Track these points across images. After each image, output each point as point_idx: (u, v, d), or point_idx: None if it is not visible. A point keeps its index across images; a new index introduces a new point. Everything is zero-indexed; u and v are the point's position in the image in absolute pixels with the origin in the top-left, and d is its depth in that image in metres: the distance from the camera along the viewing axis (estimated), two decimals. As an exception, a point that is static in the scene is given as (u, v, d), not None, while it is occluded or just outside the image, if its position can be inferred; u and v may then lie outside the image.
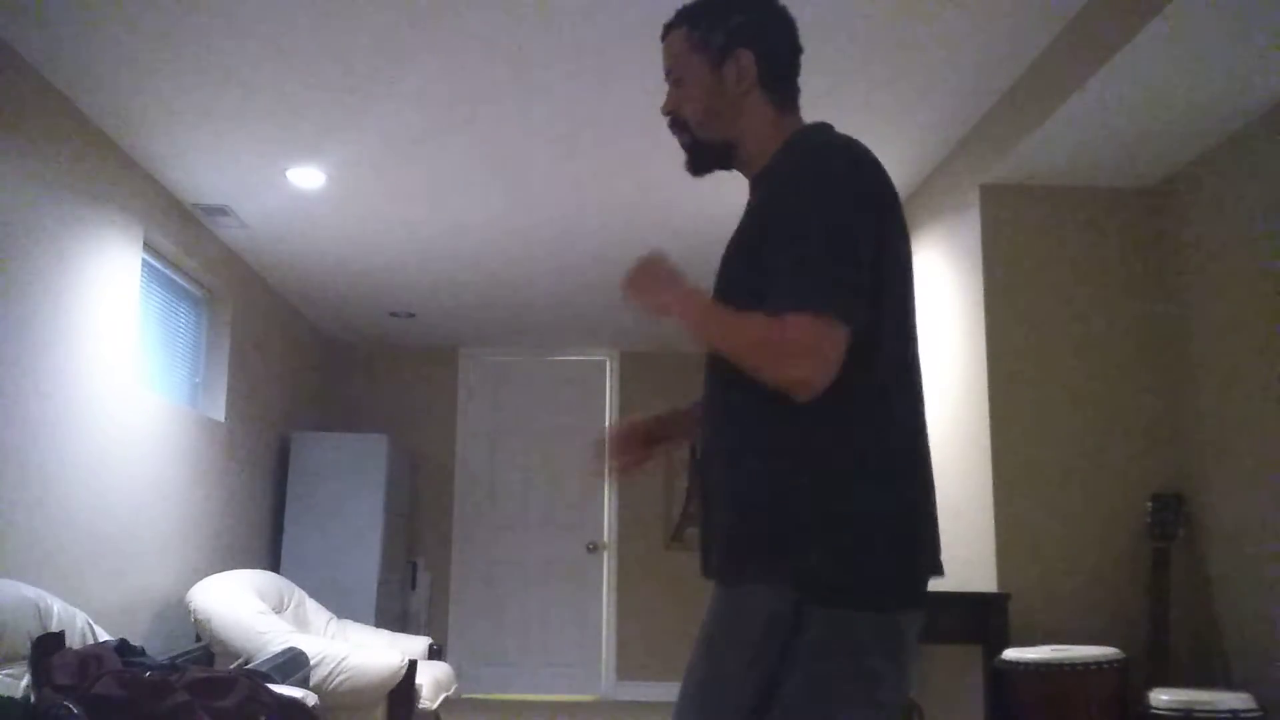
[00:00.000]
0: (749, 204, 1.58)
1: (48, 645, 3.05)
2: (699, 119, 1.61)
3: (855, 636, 1.35)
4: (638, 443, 1.78)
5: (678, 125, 1.65)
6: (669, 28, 1.66)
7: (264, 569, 5.92)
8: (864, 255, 1.39)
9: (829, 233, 1.39)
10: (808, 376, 1.35)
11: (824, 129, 1.57)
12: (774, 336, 1.37)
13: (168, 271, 4.92)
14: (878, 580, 1.38)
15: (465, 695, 7.20)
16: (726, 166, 1.65)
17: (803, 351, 1.35)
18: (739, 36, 1.59)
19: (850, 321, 1.37)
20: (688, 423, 1.79)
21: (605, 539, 7.47)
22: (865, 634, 1.36)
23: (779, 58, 1.62)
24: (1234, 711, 2.95)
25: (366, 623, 5.99)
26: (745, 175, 1.64)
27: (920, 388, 1.51)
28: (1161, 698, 3.06)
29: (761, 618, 1.37)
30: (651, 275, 1.53)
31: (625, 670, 7.31)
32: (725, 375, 1.49)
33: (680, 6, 1.67)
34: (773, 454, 1.42)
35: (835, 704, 1.35)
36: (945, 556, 4.32)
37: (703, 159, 1.65)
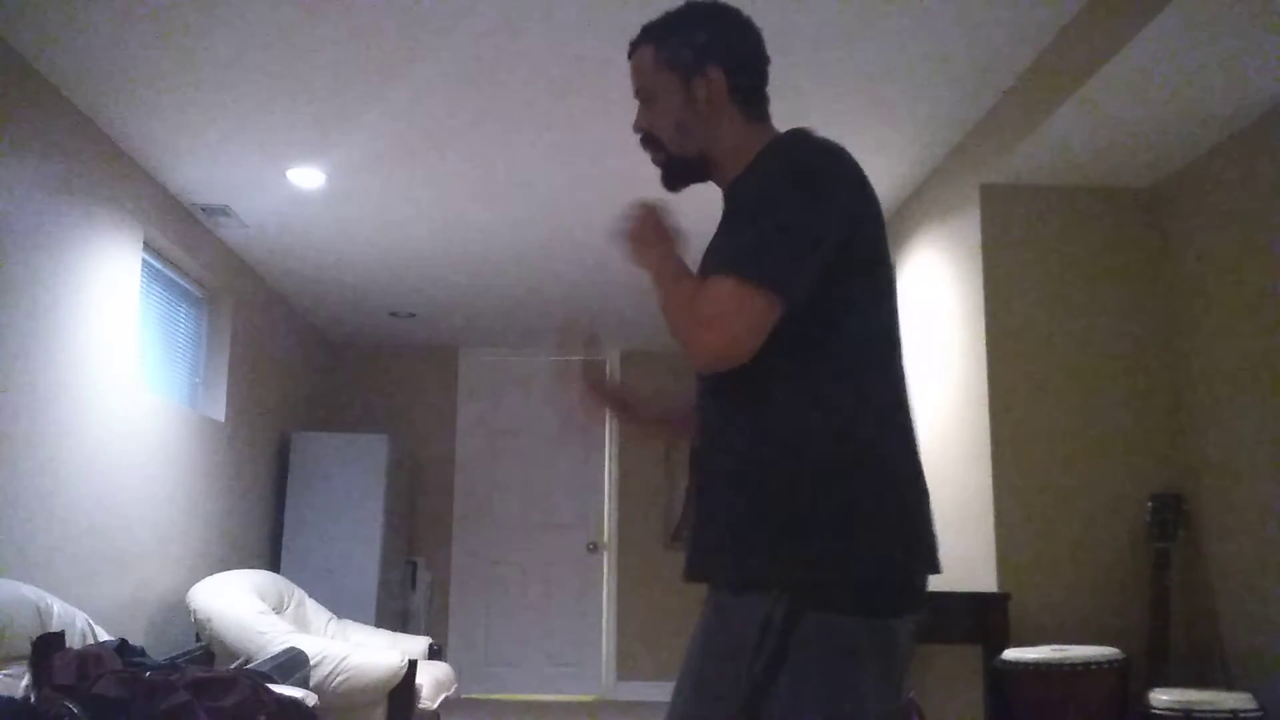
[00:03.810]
0: (725, 213, 1.58)
1: (48, 645, 3.05)
2: (671, 136, 1.61)
3: (849, 642, 1.35)
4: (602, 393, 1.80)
5: (650, 143, 1.64)
6: (635, 45, 1.65)
7: (264, 569, 5.92)
8: (810, 239, 1.39)
9: (775, 213, 1.40)
10: (715, 344, 1.37)
11: (800, 133, 1.57)
12: (693, 300, 1.39)
13: (168, 271, 4.92)
14: (872, 585, 1.37)
15: (465, 695, 7.20)
16: (702, 179, 1.64)
17: (714, 318, 1.36)
18: (706, 53, 1.58)
19: (780, 291, 1.36)
20: (660, 419, 1.81)
21: (605, 539, 7.47)
22: (859, 639, 1.36)
23: (748, 70, 1.61)
24: (1234, 711, 2.95)
25: (366, 623, 5.98)
26: (720, 186, 1.63)
27: (906, 388, 1.51)
28: (1161, 698, 3.06)
29: (755, 622, 1.36)
30: (649, 231, 1.56)
31: (625, 670, 7.31)
32: (714, 379, 1.49)
33: (644, 24, 1.65)
34: (763, 459, 1.42)
35: (827, 709, 1.34)
36: (945, 556, 4.33)
37: (677, 175, 1.64)
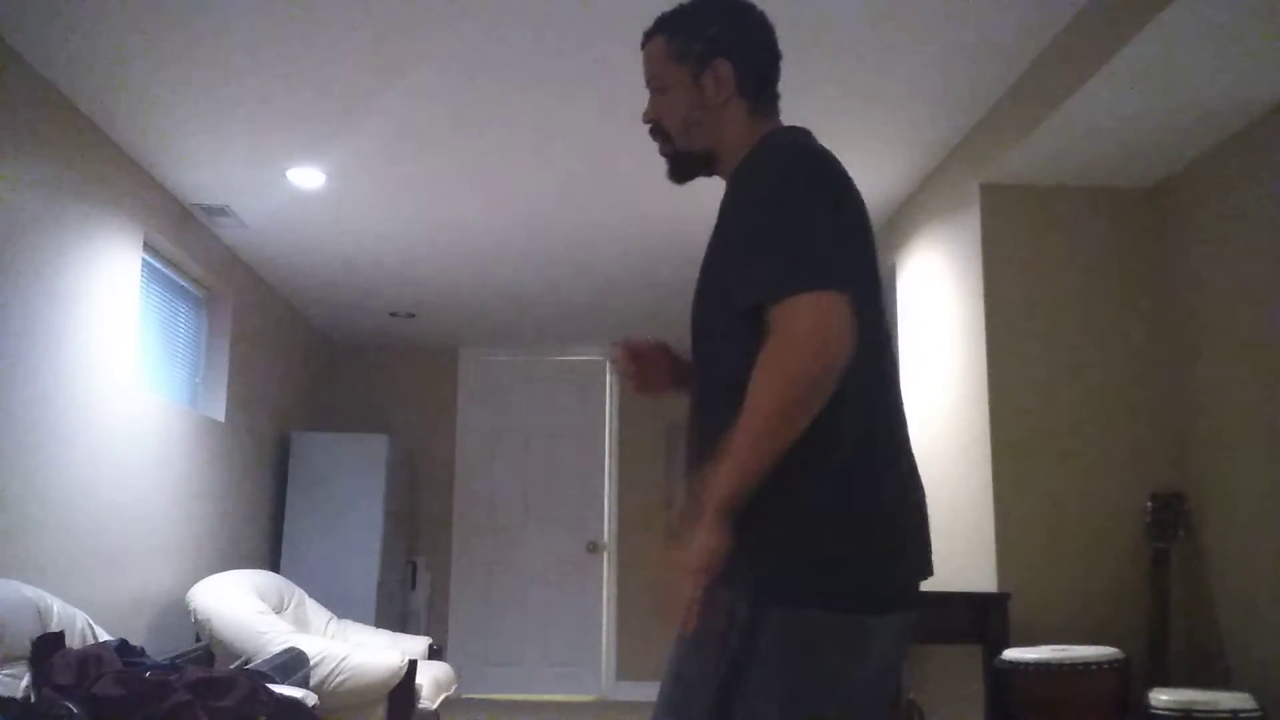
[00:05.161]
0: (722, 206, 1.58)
1: (48, 645, 3.05)
2: (679, 129, 1.61)
3: (812, 637, 1.35)
4: (660, 364, 1.70)
5: (659, 134, 1.64)
6: (648, 36, 1.66)
7: (264, 569, 5.92)
8: (834, 231, 1.39)
9: (796, 216, 1.39)
10: (833, 357, 1.31)
11: (797, 131, 1.57)
12: (785, 352, 1.31)
13: (168, 271, 4.92)
14: (838, 581, 1.36)
15: (465, 695, 7.20)
16: (708, 173, 1.65)
17: (818, 337, 1.31)
18: (717, 46, 1.59)
19: (843, 286, 1.34)
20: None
21: (605, 539, 7.47)
22: (822, 635, 1.35)
23: (758, 66, 1.61)
24: (1234, 711, 2.95)
25: (366, 623, 5.98)
26: (726, 181, 1.64)
27: (897, 383, 1.50)
28: (1161, 698, 3.06)
29: (721, 618, 1.36)
30: (681, 577, 1.39)
31: (625, 670, 7.31)
32: (705, 383, 1.49)
33: (658, 15, 1.66)
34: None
35: (792, 704, 1.34)
36: (945, 556, 4.32)
37: (684, 167, 1.65)
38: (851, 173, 1.53)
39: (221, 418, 5.39)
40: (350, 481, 6.28)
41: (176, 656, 3.96)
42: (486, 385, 7.68)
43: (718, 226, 1.53)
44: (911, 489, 1.46)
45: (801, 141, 1.50)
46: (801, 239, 1.37)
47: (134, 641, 3.78)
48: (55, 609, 3.27)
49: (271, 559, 6.24)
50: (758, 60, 1.61)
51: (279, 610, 4.93)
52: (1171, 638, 3.49)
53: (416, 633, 6.89)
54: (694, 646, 1.41)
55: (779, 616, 1.34)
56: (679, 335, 7.10)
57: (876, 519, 1.40)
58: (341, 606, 6.03)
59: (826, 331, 1.31)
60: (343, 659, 4.31)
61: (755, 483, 1.33)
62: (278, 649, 4.20)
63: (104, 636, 3.46)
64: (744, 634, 1.35)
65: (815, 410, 1.32)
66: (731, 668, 1.35)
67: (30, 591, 3.21)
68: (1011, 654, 3.28)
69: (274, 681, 3.51)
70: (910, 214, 4.65)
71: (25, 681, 2.97)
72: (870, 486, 1.40)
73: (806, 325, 1.31)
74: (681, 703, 1.40)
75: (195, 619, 4.48)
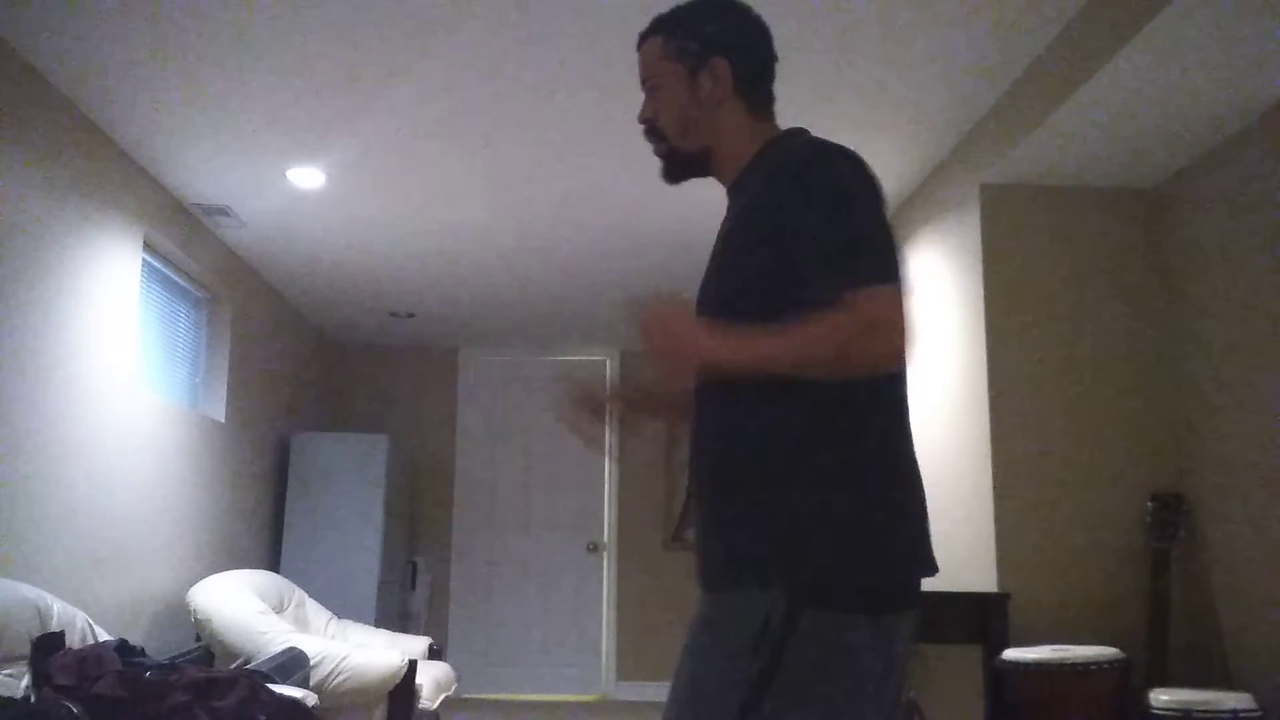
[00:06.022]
0: (731, 210, 1.57)
1: (48, 645, 3.05)
2: (675, 128, 1.62)
3: (846, 639, 1.35)
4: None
5: (653, 133, 1.65)
6: (644, 36, 1.66)
7: (264, 569, 5.93)
8: (886, 234, 1.42)
9: (857, 215, 1.41)
10: (899, 344, 1.35)
11: (803, 133, 1.58)
12: (852, 321, 1.34)
13: (168, 271, 4.92)
14: (869, 582, 1.37)
15: (465, 695, 7.20)
16: (703, 174, 1.65)
17: (887, 323, 1.34)
18: (714, 45, 1.60)
19: (907, 290, 1.38)
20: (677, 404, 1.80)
21: (605, 539, 7.47)
22: (856, 636, 1.36)
23: (754, 66, 1.62)
24: (1234, 711, 2.95)
25: (366, 623, 5.98)
26: (721, 182, 1.64)
27: (906, 387, 1.51)
28: (1161, 698, 3.06)
29: (753, 623, 1.36)
30: (666, 328, 1.44)
31: (625, 670, 7.31)
32: (714, 381, 1.49)
33: (655, 16, 1.67)
34: (763, 458, 1.42)
35: (824, 706, 1.34)
36: (945, 556, 4.32)
37: (678, 167, 1.65)
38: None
39: (221, 418, 5.39)
40: (350, 481, 6.28)
41: (176, 656, 3.97)
42: (486, 385, 7.68)
43: (733, 231, 1.52)
44: (922, 486, 1.48)
45: (826, 141, 1.51)
46: (867, 236, 1.40)
47: (134, 641, 3.79)
48: (55, 609, 3.27)
49: (271, 559, 6.24)
50: (755, 60, 1.62)
51: (279, 610, 4.93)
52: (1171, 638, 3.49)
53: (416, 633, 6.89)
54: (715, 652, 1.40)
55: (815, 619, 1.35)
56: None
57: (902, 522, 1.42)
58: (341, 606, 6.03)
59: (891, 326, 1.34)
60: (343, 659, 4.31)
61: (741, 367, 1.40)
62: (278, 649, 4.20)
63: (104, 636, 3.46)
64: (779, 636, 1.35)
65: (831, 374, 1.37)
66: (762, 674, 1.35)
67: (30, 591, 3.21)
68: (1011, 654, 3.28)
69: (274, 681, 3.52)
70: (910, 214, 4.65)
71: (25, 681, 2.97)
72: (897, 490, 1.42)
73: (878, 312, 1.34)
74: (703, 704, 1.39)
75: (195, 619, 4.48)
